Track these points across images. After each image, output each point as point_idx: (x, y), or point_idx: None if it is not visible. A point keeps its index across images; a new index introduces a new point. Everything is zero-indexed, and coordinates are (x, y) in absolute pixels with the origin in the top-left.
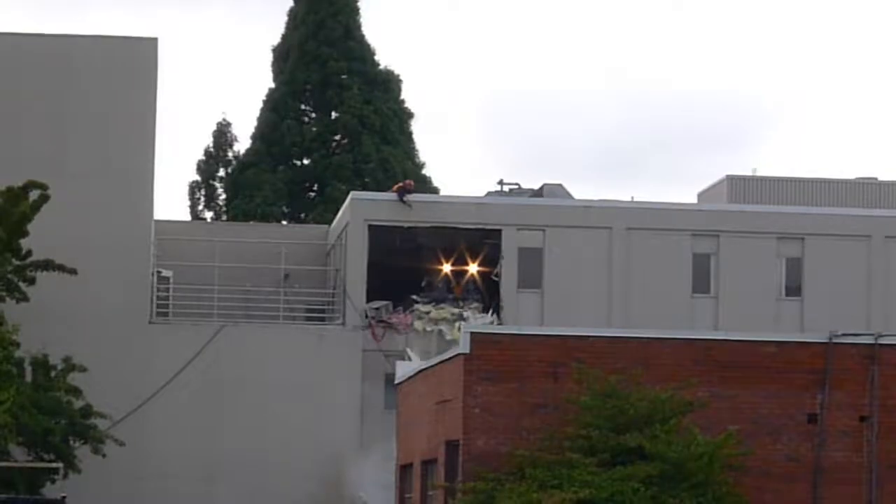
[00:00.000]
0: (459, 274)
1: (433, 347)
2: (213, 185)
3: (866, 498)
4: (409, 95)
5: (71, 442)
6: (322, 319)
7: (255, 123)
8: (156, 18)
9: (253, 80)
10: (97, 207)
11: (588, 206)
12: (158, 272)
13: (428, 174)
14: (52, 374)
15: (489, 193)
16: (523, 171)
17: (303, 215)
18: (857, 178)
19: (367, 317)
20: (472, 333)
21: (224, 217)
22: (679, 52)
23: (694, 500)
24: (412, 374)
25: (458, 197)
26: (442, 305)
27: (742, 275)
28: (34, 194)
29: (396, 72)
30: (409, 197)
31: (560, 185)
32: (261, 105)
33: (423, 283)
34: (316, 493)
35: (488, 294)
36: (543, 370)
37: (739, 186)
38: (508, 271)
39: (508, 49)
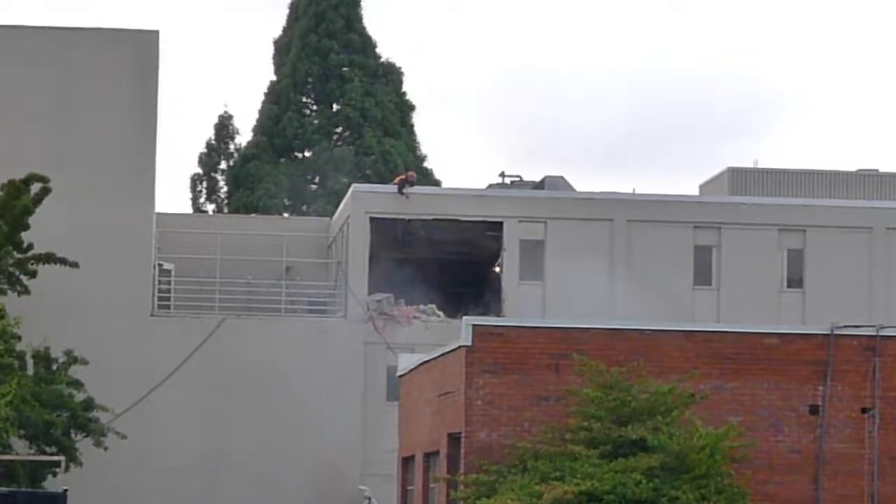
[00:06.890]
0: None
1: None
2: (215, 178)
3: (868, 489)
4: (411, 88)
5: (73, 435)
6: (324, 312)
7: (256, 116)
8: (157, 11)
9: (254, 73)
10: (99, 200)
11: (589, 199)
12: (160, 265)
13: (429, 166)
14: (54, 366)
15: (491, 186)
16: (525, 163)
17: (304, 208)
18: (858, 170)
19: (368, 309)
20: (473, 325)
21: (226, 209)
22: (681, 43)
23: (696, 492)
24: (414, 366)
25: (459, 189)
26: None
27: (743, 267)
28: (36, 187)
29: (398, 64)
30: (411, 189)
31: (561, 178)
32: (262, 97)
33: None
34: (318, 485)
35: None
36: (545, 362)
37: (741, 178)
38: (510, 263)
39: (509, 42)
